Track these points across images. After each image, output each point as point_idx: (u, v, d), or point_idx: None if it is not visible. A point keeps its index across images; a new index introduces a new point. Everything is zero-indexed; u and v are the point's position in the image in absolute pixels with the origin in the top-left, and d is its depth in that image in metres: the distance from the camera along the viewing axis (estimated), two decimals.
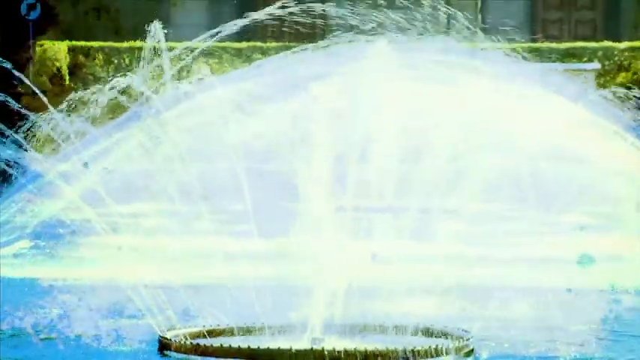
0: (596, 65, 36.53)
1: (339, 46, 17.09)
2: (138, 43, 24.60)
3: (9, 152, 18.87)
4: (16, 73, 22.70)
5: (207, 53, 25.27)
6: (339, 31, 18.22)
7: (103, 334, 12.60)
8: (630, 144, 16.27)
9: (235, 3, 47.85)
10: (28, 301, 14.75)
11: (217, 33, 21.92)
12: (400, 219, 14.43)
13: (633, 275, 15.71)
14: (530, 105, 15.47)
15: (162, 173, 16.98)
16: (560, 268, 15.82)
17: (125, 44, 35.43)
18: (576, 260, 17.92)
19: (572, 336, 12.67)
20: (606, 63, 37.90)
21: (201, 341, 11.44)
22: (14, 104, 20.48)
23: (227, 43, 25.31)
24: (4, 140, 19.33)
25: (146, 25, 23.18)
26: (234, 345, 11.14)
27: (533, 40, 43.72)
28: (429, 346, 11.00)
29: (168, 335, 11.54)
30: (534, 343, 12.15)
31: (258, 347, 10.92)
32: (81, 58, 38.84)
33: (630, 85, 32.76)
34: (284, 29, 24.30)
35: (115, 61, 35.07)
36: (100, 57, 37.67)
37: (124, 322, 12.95)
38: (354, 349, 10.84)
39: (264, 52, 27.82)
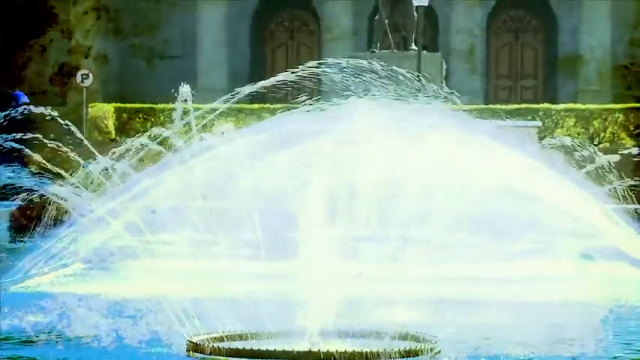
0: (537, 123, 36.52)
1: (332, 106, 17.03)
2: (170, 105, 24.74)
3: (66, 192, 18.82)
4: (73, 129, 22.58)
5: (227, 113, 25.12)
6: (333, 94, 18.17)
7: (135, 338, 12.54)
8: (565, 184, 16.23)
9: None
10: (78, 311, 14.64)
11: (234, 96, 21.90)
12: (382, 245, 14.44)
13: (570, 291, 15.67)
14: (487, 153, 15.41)
15: (188, 209, 16.96)
16: (512, 285, 15.76)
17: (160, 105, 35.33)
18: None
19: (525, 338, 12.67)
20: (545, 121, 37.82)
21: (224, 344, 11.38)
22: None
23: (242, 105, 25.16)
24: (62, 183, 19.28)
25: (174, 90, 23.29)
26: (255, 348, 11.13)
27: (487, 103, 43.75)
28: (404, 348, 11.05)
29: (195, 339, 11.47)
30: (495, 345, 12.15)
31: (275, 349, 10.95)
32: (124, 116, 38.65)
33: (566, 138, 32.94)
34: (287, 93, 24.19)
35: (152, 119, 34.93)
36: (140, 116, 37.48)
37: (154, 327, 12.84)
38: (344, 350, 10.92)
39: (271, 112, 27.70)
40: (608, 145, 36.20)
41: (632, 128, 39.69)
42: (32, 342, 12.65)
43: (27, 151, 19.51)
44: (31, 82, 61.61)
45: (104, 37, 54.75)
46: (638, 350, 12.38)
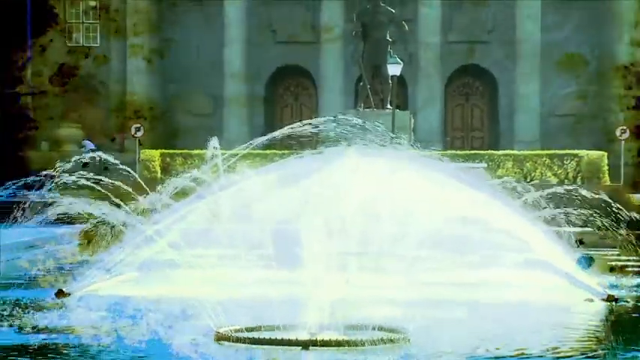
0: (483, 164, 36.36)
1: (328, 151, 16.98)
2: (203, 151, 24.71)
3: (123, 218, 18.77)
4: (130, 171, 22.58)
5: (246, 157, 25.08)
6: (329, 142, 18.13)
7: (175, 329, 12.48)
8: (506, 211, 16.18)
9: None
10: (129, 308, 14.56)
11: (251, 144, 21.94)
12: (366, 259, 14.39)
13: (511, 293, 15.54)
14: (447, 188, 15.36)
15: (217, 230, 16.88)
16: (468, 288, 15.63)
17: (195, 151, 35.19)
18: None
19: (475, 329, 12.60)
20: (489, 163, 37.71)
21: (244, 334, 11.31)
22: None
23: (257, 151, 25.22)
24: (120, 210, 19.23)
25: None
26: (268, 337, 11.11)
27: (446, 149, 43.62)
28: (382, 337, 11.05)
29: (221, 331, 11.41)
30: (453, 334, 12.08)
31: (283, 338, 10.98)
32: (167, 159, 38.50)
33: (506, 177, 32.69)
34: (292, 142, 24.21)
35: (189, 162, 34.84)
36: (179, 159, 37.37)
37: (189, 321, 12.78)
38: (336, 339, 10.97)
39: (281, 156, 27.63)
40: (537, 181, 36.06)
41: (556, 169, 39.57)
42: (97, 330, 12.62)
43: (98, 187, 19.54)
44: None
45: (160, 100, 52.18)
46: (561, 341, 12.34)
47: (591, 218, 22.32)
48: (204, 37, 51.13)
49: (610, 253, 25.04)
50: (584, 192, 21.73)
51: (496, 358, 10.99)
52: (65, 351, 11.18)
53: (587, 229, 25.14)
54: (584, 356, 11.07)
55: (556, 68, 50.29)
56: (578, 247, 23.03)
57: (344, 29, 47.76)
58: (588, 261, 18.33)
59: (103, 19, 53.18)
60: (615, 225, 20.27)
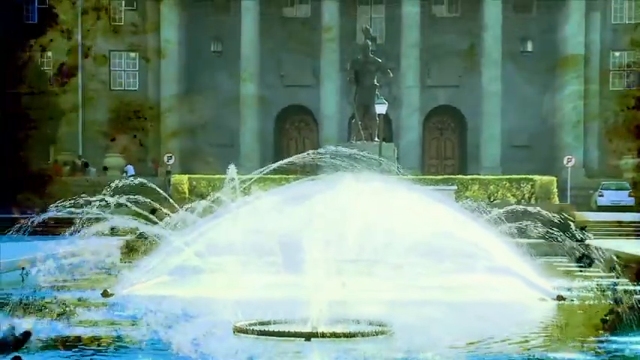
0: (454, 187, 36.26)
1: (326, 177, 17.01)
2: (224, 176, 24.79)
3: (157, 231, 18.78)
4: (163, 193, 22.67)
5: (258, 181, 25.08)
6: (327, 169, 18.24)
7: (200, 324, 12.49)
8: (473, 226, 16.17)
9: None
10: (162, 307, 14.53)
11: (262, 171, 22.05)
12: (360, 265, 14.41)
13: (480, 294, 15.50)
14: (425, 206, 15.38)
15: (235, 242, 16.92)
16: (445, 290, 15.58)
17: (217, 176, 35.03)
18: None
19: (452, 325, 12.61)
20: (459, 186, 37.64)
21: (258, 327, 11.31)
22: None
23: (268, 176, 25.22)
24: (155, 225, 19.26)
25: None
26: (277, 329, 11.14)
27: (424, 174, 43.59)
28: (371, 330, 11.15)
29: (238, 324, 11.41)
30: (435, 330, 12.06)
31: (289, 330, 11.06)
32: (194, 182, 38.48)
33: (474, 198, 32.65)
34: (297, 168, 24.25)
35: (212, 184, 34.81)
36: (204, 182, 37.35)
37: (211, 317, 12.78)
38: (334, 331, 10.97)
39: (288, 180, 27.62)
40: (499, 201, 36.02)
41: (514, 190, 39.53)
42: (135, 323, 12.62)
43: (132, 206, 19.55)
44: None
45: (188, 133, 51.02)
46: (521, 333, 12.35)
47: (545, 231, 22.38)
48: (222, 83, 51.25)
49: (559, 260, 24.97)
50: (539, 209, 21.81)
51: (468, 344, 11.04)
52: (109, 340, 11.25)
53: (541, 240, 25.17)
54: (540, 345, 11.10)
55: (515, 107, 50.36)
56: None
57: (340, 76, 47.83)
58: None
59: (142, 67, 53.13)
60: (564, 237, 20.27)
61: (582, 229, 23.67)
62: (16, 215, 22.23)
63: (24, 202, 35.81)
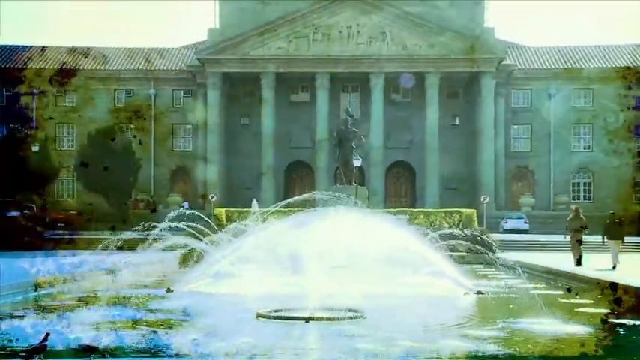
0: (407, 217, 36.08)
1: (320, 210, 16.94)
2: (249, 209, 24.82)
3: (203, 246, 18.67)
4: (208, 220, 22.82)
5: (272, 213, 25.00)
6: (321, 205, 18.21)
7: (231, 312, 12.41)
8: (420, 243, 16.07)
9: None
10: (206, 300, 14.41)
11: (275, 206, 22.02)
12: (342, 270, 14.31)
13: (427, 291, 15.35)
14: (387, 229, 15.27)
15: (257, 255, 16.81)
16: (404, 287, 15.42)
17: (245, 209, 34.51)
18: None
19: (412, 311, 12.53)
20: (410, 216, 37.36)
21: (273, 313, 11.24)
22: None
23: (280, 209, 25.28)
24: (202, 242, 19.12)
25: None
26: (286, 314, 11.07)
27: (386, 208, 43.41)
28: (349, 315, 11.04)
29: (260, 312, 11.34)
30: (396, 313, 12.00)
31: (294, 315, 10.96)
32: (229, 213, 38.18)
33: (420, 224, 32.47)
34: (300, 204, 24.24)
35: (242, 215, 34.46)
36: (236, 213, 37.04)
37: (242, 306, 12.66)
38: (325, 316, 10.85)
39: (293, 212, 27.57)
40: (437, 226, 35.89)
41: (448, 219, 39.39)
42: (187, 310, 12.52)
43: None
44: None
45: (226, 179, 49.94)
46: (454, 316, 12.28)
47: (467, 247, 22.34)
48: (249, 145, 51.40)
49: (478, 266, 24.87)
50: (464, 231, 21.83)
51: (421, 325, 10.98)
52: (169, 322, 11.15)
53: (465, 253, 25.12)
54: (468, 324, 11.06)
55: (448, 162, 50.52)
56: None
57: (328, 141, 47.98)
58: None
59: (194, 134, 53.34)
60: (481, 250, 20.18)
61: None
62: (105, 236, 22.18)
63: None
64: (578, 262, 21.75)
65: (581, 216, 23.23)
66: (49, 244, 30.40)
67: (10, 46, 54.60)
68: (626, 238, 23.77)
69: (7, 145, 44.50)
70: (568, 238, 23.05)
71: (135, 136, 50.90)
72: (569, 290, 14.92)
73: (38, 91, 49.59)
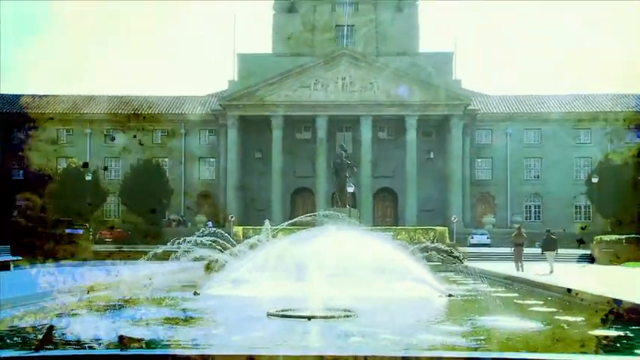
0: (391, 233, 35.94)
1: (321, 227, 16.86)
2: (262, 227, 24.70)
3: (224, 257, 18.51)
4: (228, 237, 22.85)
5: (281, 230, 24.91)
6: (322, 223, 18.14)
7: (244, 311, 12.28)
8: (404, 255, 15.98)
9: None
10: (226, 301, 14.22)
11: (283, 224, 21.96)
12: (338, 277, 14.23)
13: (410, 294, 15.17)
14: (375, 243, 15.18)
15: (268, 264, 16.68)
16: (391, 292, 15.20)
17: (257, 227, 34.40)
18: None
19: (396, 312, 12.44)
20: (393, 233, 37.26)
21: (281, 312, 11.14)
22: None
23: (287, 227, 25.21)
24: (223, 253, 19.01)
25: None
26: (291, 314, 10.93)
27: (374, 226, 43.20)
28: (344, 314, 10.84)
29: (270, 311, 11.25)
30: (385, 313, 11.93)
31: (298, 314, 10.78)
32: (245, 230, 37.99)
33: (402, 239, 32.25)
34: (303, 222, 24.28)
35: (256, 232, 34.33)
36: (252, 230, 36.77)
37: (254, 307, 12.48)
38: (323, 315, 10.67)
39: (299, 230, 27.52)
40: (416, 241, 35.85)
41: (425, 235, 39.33)
42: (211, 310, 12.43)
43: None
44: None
45: (242, 205, 50.33)
46: (431, 314, 12.21)
47: (441, 258, 22.27)
48: (261, 175, 51.50)
49: (449, 274, 24.74)
50: (438, 245, 21.82)
51: (398, 321, 10.91)
52: (195, 319, 11.06)
53: (439, 263, 24.99)
54: (441, 321, 11.01)
55: (424, 188, 50.56)
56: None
57: (326, 170, 48.13)
58: None
59: (216, 166, 53.53)
60: (452, 260, 20.10)
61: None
62: (144, 249, 22.13)
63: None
64: (519, 269, 22.43)
65: (523, 233, 23.84)
66: (99, 255, 30.52)
67: (77, 95, 55.07)
68: (559, 250, 24.52)
69: (66, 175, 45.83)
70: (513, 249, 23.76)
71: (167, 167, 51.15)
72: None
73: (107, 133, 50.79)
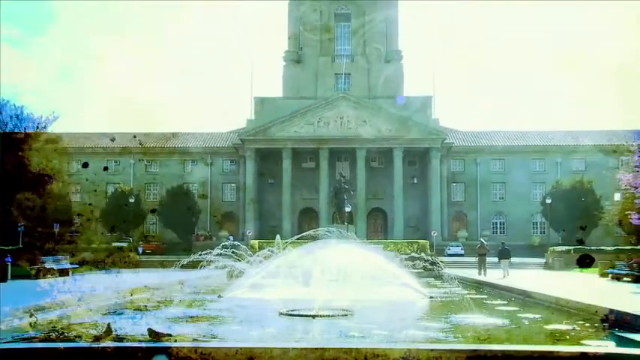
0: (382, 246, 35.13)
1: (323, 241, 16.80)
2: (274, 241, 24.36)
3: (241, 266, 18.36)
4: (245, 247, 22.58)
5: (290, 243, 24.74)
6: (325, 237, 18.01)
7: (258, 312, 12.17)
8: (393, 263, 15.81)
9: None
10: (244, 302, 14.06)
11: (292, 238, 21.80)
12: (337, 283, 14.11)
13: (397, 297, 14.92)
14: (368, 254, 15.07)
15: (280, 272, 16.58)
16: (383, 295, 14.93)
17: (271, 240, 33.87)
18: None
19: (390, 310, 12.32)
20: (383, 245, 36.62)
21: (291, 312, 11.06)
22: None
23: (295, 241, 25.03)
24: (241, 262, 18.85)
25: None
26: (299, 313, 10.85)
27: (368, 240, 42.76)
28: (343, 313, 10.76)
29: (282, 311, 11.20)
30: (378, 313, 11.82)
31: (304, 313, 10.69)
32: (261, 244, 37.64)
33: (391, 251, 31.91)
34: (308, 237, 24.09)
35: (270, 245, 34.11)
36: (266, 243, 36.43)
37: (267, 308, 12.38)
38: (325, 314, 10.60)
39: (305, 243, 27.33)
40: (403, 252, 35.55)
41: (410, 247, 39.04)
42: (231, 309, 12.36)
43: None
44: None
45: (258, 221, 49.31)
46: (417, 313, 12.10)
47: (423, 266, 22.10)
48: (274, 197, 51.47)
49: (431, 280, 24.51)
50: (421, 255, 21.67)
51: (387, 318, 10.82)
52: (214, 318, 10.97)
53: (421, 270, 24.82)
54: (423, 319, 10.93)
55: (409, 208, 50.40)
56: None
57: (327, 194, 48.09)
58: None
59: (236, 191, 53.65)
60: (433, 268, 19.95)
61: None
62: (177, 259, 22.04)
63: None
64: (482, 274, 23.81)
65: (485, 246, 25.72)
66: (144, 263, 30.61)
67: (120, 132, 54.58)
68: (512, 259, 26.10)
69: (114, 198, 46.23)
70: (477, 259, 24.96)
71: (196, 191, 51.34)
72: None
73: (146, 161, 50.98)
